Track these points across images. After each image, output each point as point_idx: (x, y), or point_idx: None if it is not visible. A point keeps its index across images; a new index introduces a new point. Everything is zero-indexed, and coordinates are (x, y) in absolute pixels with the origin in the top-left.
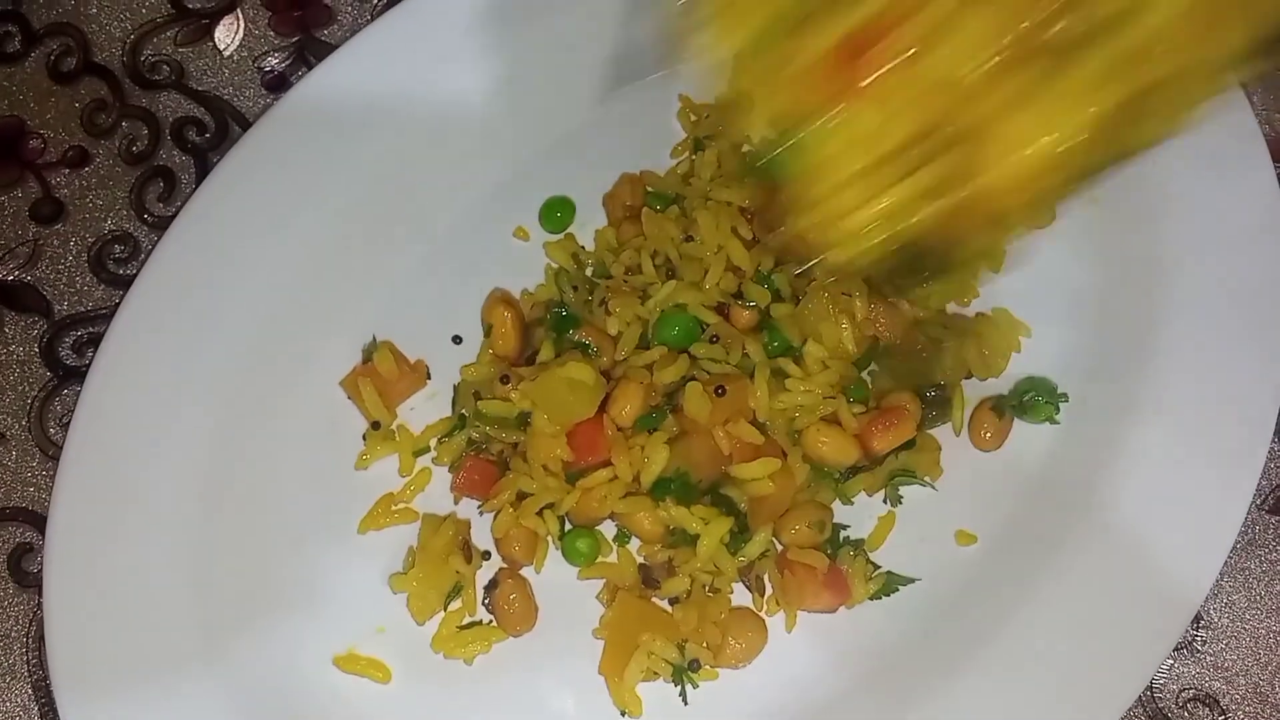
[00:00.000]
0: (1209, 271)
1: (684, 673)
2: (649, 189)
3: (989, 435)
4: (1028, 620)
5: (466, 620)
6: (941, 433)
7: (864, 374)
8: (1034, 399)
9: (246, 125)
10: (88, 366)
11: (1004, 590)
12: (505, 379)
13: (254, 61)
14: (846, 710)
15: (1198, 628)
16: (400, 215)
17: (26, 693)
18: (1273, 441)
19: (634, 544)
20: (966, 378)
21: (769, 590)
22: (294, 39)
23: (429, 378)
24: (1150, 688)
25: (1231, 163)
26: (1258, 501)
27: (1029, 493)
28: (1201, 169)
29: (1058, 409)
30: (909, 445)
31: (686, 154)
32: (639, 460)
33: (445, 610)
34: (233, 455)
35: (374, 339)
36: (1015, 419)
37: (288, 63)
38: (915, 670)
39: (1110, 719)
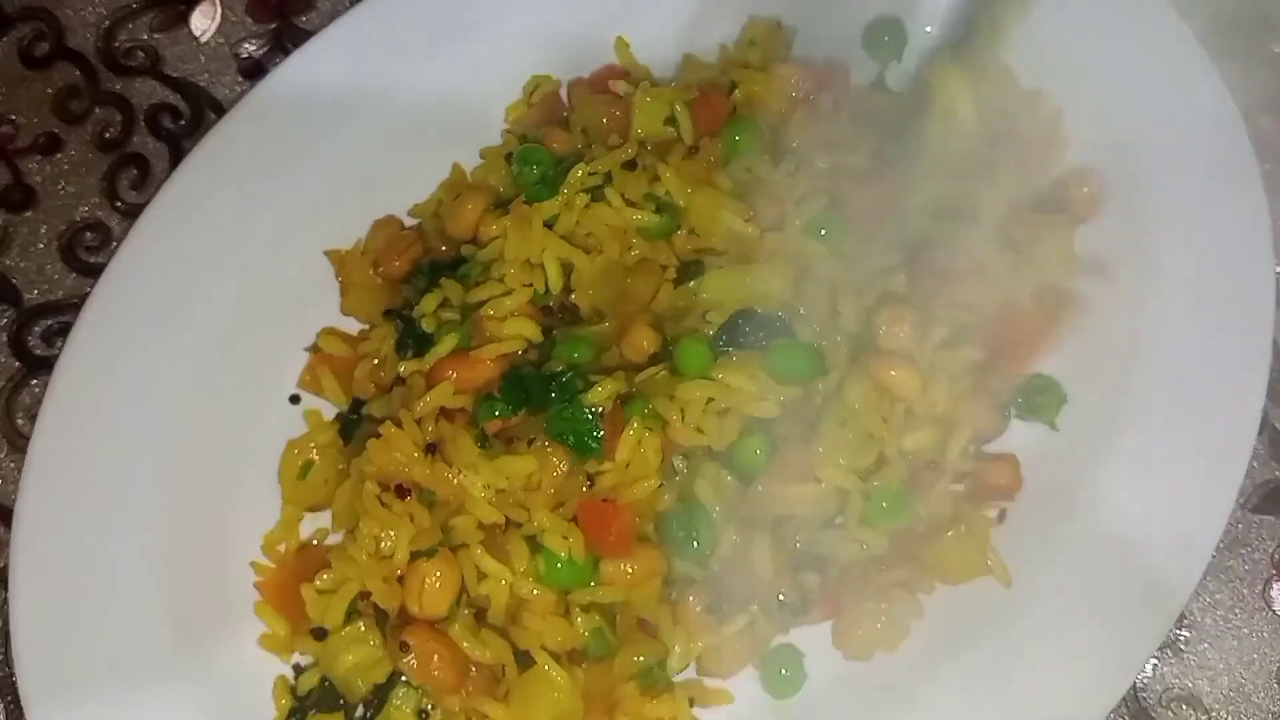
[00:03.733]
0: (1194, 274)
1: None
2: None
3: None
4: (1012, 621)
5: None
6: None
7: None
8: (1045, 400)
9: (222, 112)
10: (57, 357)
11: (989, 591)
12: None
13: (230, 48)
14: (830, 711)
15: (1181, 627)
16: (375, 204)
17: None
18: (1256, 441)
19: None
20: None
21: None
22: (271, 25)
23: None
24: (1134, 687)
25: (1218, 167)
26: (1241, 500)
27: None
28: (1188, 174)
29: (1058, 413)
30: None
31: None
32: None
33: None
34: (203, 448)
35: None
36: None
37: (265, 49)
38: (900, 671)
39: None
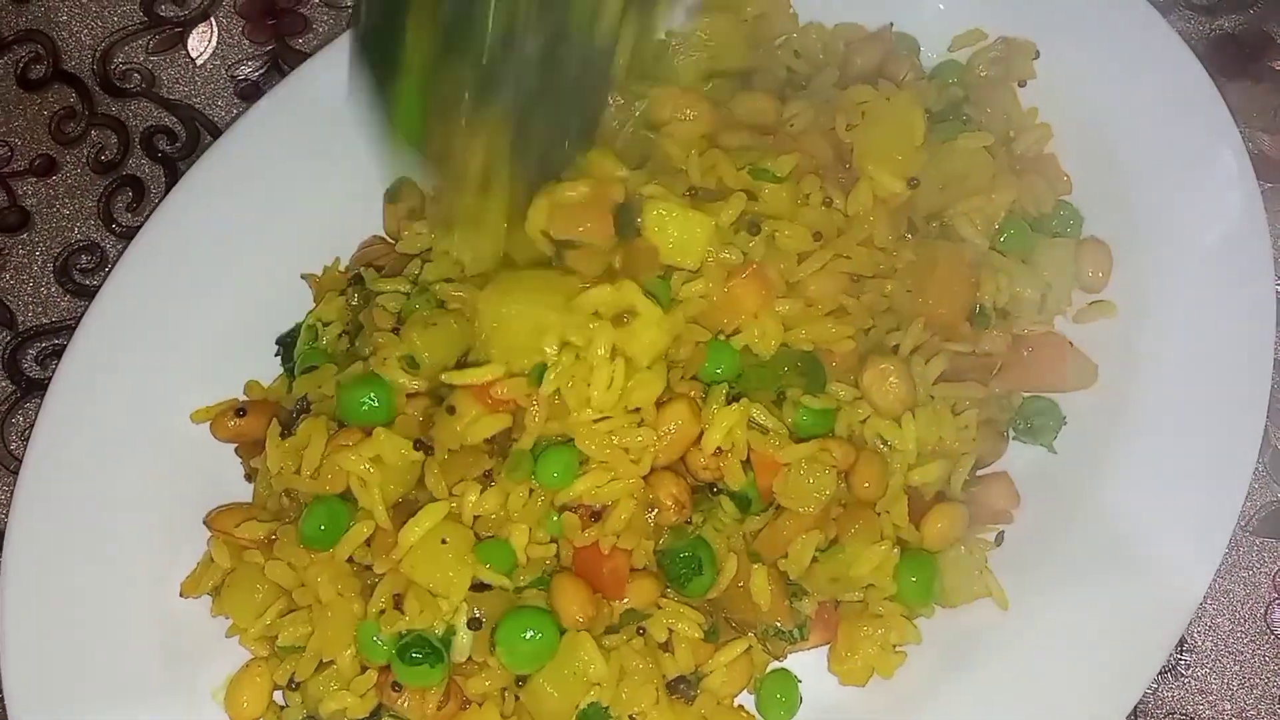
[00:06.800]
0: (1194, 293)
1: None
2: None
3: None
4: (1010, 644)
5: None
6: None
7: None
8: (1044, 422)
9: (218, 134)
10: (51, 379)
11: (986, 615)
12: None
13: (227, 70)
14: None
15: (1181, 651)
16: (371, 227)
17: None
18: (1257, 462)
19: None
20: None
21: None
22: (268, 47)
23: None
24: (1134, 712)
25: (1217, 183)
26: (1241, 523)
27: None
28: (1187, 192)
29: (1056, 435)
30: None
31: None
32: None
33: None
34: (198, 472)
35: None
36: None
37: (261, 71)
38: (896, 694)
39: None
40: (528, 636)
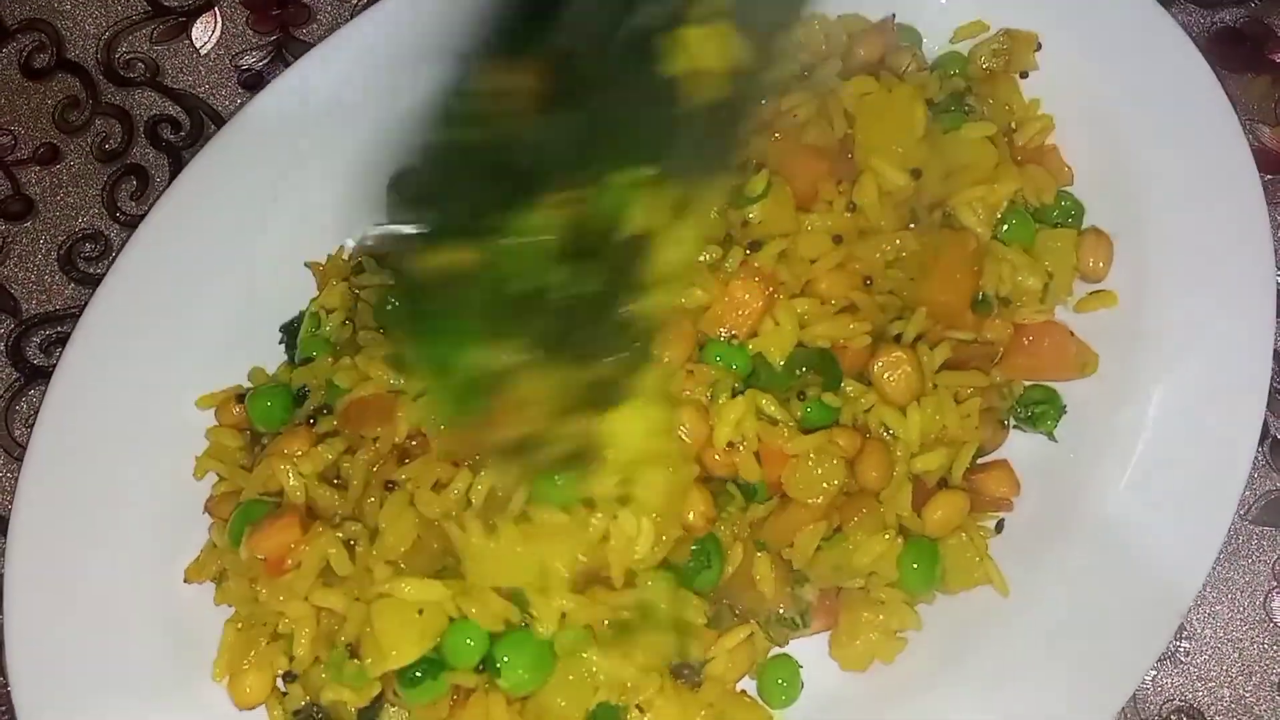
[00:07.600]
0: (1194, 283)
1: None
2: None
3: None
4: (1010, 631)
5: None
6: None
7: None
8: (1045, 410)
9: (222, 124)
10: (55, 366)
11: (986, 601)
12: None
13: (231, 60)
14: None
15: (1181, 638)
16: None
17: None
18: (1256, 451)
19: None
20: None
21: None
22: (272, 37)
23: None
24: (1134, 699)
25: (1217, 174)
26: (1240, 511)
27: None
28: (1187, 183)
29: (1057, 424)
30: None
31: None
32: None
33: None
34: None
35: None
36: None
37: (265, 61)
38: (897, 681)
39: None
40: (508, 661)
